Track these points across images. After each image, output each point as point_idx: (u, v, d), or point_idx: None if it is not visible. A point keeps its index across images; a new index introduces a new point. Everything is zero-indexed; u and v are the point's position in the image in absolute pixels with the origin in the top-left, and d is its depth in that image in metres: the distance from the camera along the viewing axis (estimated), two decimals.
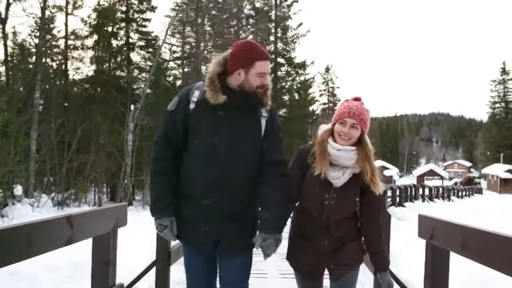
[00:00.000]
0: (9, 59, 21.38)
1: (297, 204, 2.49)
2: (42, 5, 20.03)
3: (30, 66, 21.62)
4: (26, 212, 12.63)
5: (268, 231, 2.27)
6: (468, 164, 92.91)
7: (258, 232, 2.32)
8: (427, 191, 22.52)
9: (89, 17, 23.87)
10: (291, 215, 2.53)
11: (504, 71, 64.39)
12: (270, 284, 5.01)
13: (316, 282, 2.50)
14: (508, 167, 54.50)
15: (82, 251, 5.31)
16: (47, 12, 21.12)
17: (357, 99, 2.36)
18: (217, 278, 2.48)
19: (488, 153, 65.23)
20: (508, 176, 53.28)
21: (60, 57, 24.82)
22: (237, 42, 2.36)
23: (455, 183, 54.39)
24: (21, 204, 13.19)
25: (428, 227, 2.59)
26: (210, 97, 2.21)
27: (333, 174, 2.27)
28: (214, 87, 2.22)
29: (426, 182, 48.50)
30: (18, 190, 12.47)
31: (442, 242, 2.41)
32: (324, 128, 2.41)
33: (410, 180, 62.49)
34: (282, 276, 5.37)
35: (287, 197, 2.34)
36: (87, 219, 2.40)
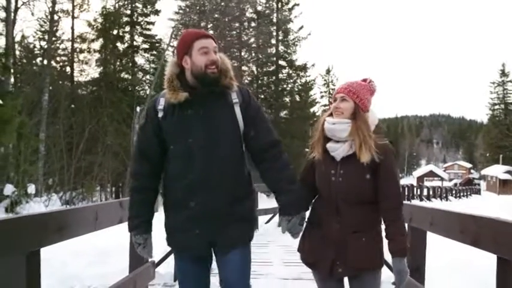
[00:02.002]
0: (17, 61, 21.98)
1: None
2: (50, 9, 20.66)
3: (34, 68, 22.22)
4: (39, 209, 13.21)
5: (291, 213, 2.23)
6: (468, 165, 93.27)
7: (280, 216, 2.29)
8: (425, 191, 23.07)
9: (95, 20, 24.47)
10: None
11: (503, 73, 64.68)
12: (274, 270, 5.53)
13: (332, 280, 2.30)
14: (507, 168, 54.94)
15: (104, 239, 5.90)
16: (55, 17, 21.75)
17: (363, 80, 2.34)
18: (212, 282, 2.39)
19: (487, 155, 65.64)
20: (507, 177, 53.71)
21: (65, 59, 25.40)
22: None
23: (455, 184, 54.96)
24: (33, 202, 13.76)
25: (408, 212, 3.13)
26: (170, 97, 2.16)
27: (332, 146, 2.25)
28: (174, 86, 2.18)
29: (426, 183, 49.04)
30: (32, 189, 13.02)
31: (418, 223, 2.96)
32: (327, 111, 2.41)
33: (410, 181, 62.88)
34: (285, 264, 5.92)
35: (294, 174, 2.32)
36: None
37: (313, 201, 2.39)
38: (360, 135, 2.18)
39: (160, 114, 2.20)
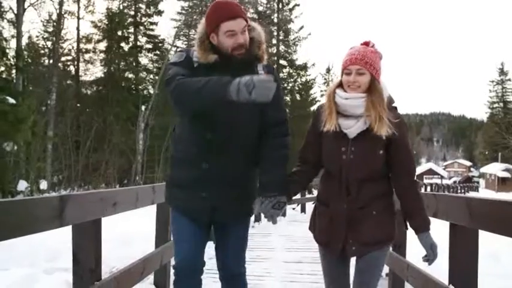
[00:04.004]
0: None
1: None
2: (58, 11, 21.26)
3: (41, 68, 22.81)
4: None
5: (265, 194, 2.12)
6: (468, 163, 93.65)
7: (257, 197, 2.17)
8: (422, 189, 23.63)
9: (100, 21, 25.04)
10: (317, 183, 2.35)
11: (502, 72, 65.03)
12: (277, 255, 6.12)
13: (340, 260, 2.21)
14: (505, 166, 55.45)
15: (123, 227, 6.50)
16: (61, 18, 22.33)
17: (365, 43, 2.16)
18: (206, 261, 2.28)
19: (486, 153, 66.12)
20: (505, 174, 54.23)
21: (69, 59, 25.98)
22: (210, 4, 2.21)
23: (454, 182, 55.57)
24: None
25: None
26: (200, 56, 2.11)
27: (345, 123, 2.08)
28: (205, 46, 2.12)
29: (425, 181, 49.63)
30: (44, 185, 13.62)
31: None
32: (335, 81, 2.22)
33: None
34: (287, 250, 6.51)
35: (286, 157, 2.23)
36: (160, 189, 3.51)
37: (320, 178, 2.26)
38: (377, 110, 2.04)
39: (195, 65, 2.13)
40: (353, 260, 2.22)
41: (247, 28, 2.11)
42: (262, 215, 2.16)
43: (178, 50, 2.25)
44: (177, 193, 2.21)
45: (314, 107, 36.12)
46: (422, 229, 2.07)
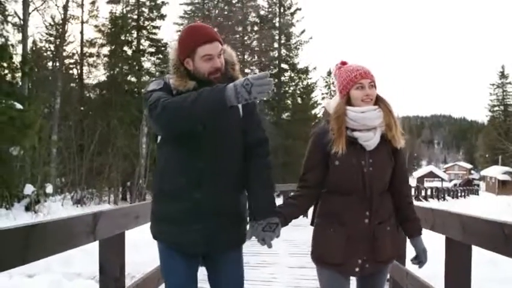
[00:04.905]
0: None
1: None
2: (62, 15, 21.53)
3: (45, 72, 23.07)
4: (56, 208, 14.06)
5: (256, 218, 2.07)
6: (469, 166, 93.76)
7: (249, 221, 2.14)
8: (422, 192, 23.81)
9: (103, 25, 25.28)
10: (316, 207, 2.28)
11: (503, 75, 65.20)
12: (281, 260, 6.33)
13: (346, 281, 2.19)
14: (505, 169, 55.60)
15: (133, 234, 6.70)
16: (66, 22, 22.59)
17: (343, 63, 2.23)
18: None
19: (486, 156, 66.29)
20: (505, 177, 54.36)
21: (72, 61, 26.21)
22: (183, 28, 2.13)
23: (454, 185, 55.73)
24: (50, 201, 14.60)
25: None
26: (178, 84, 2.02)
27: (363, 135, 2.10)
28: (181, 73, 2.05)
29: (426, 184, 49.78)
30: (50, 189, 13.83)
31: None
32: (332, 103, 2.23)
33: (410, 182, 63.36)
34: (290, 255, 6.71)
35: (271, 178, 2.16)
36: None
37: (321, 204, 2.22)
38: (393, 118, 2.13)
39: (174, 92, 2.03)
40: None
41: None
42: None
43: (153, 79, 2.19)
44: (166, 229, 2.07)
45: (315, 110, 36.52)
46: (417, 233, 2.21)
